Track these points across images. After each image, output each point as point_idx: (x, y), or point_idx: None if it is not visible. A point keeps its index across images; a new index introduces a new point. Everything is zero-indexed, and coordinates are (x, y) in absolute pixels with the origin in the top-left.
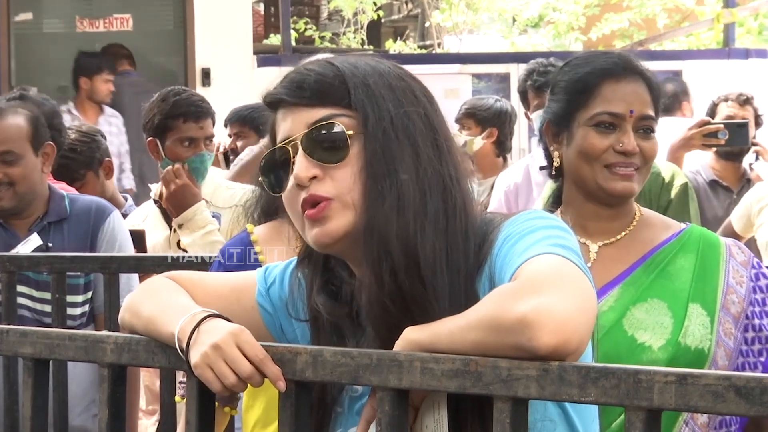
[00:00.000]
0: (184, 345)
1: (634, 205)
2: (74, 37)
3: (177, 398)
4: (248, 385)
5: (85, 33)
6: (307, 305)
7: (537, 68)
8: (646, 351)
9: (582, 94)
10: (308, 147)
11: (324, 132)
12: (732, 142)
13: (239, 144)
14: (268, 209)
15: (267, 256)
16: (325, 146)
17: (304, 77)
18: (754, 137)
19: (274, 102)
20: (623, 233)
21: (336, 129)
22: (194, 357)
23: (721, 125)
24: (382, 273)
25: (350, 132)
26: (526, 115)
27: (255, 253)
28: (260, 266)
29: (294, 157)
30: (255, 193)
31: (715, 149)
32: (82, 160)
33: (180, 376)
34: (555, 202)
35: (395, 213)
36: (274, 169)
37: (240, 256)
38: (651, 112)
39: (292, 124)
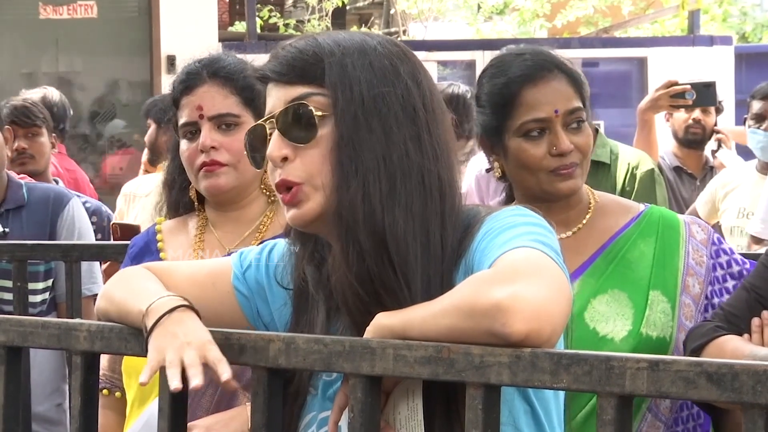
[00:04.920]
0: (150, 324)
1: (587, 193)
2: (37, 24)
3: (104, 392)
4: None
5: (49, 20)
6: (294, 273)
7: None
8: (608, 344)
9: (505, 106)
10: (282, 126)
11: (296, 111)
12: (699, 102)
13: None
14: (175, 207)
15: (166, 245)
16: (297, 126)
17: (286, 54)
18: (715, 124)
19: (263, 77)
20: (579, 225)
21: (305, 109)
22: (154, 341)
23: (688, 86)
24: (350, 255)
25: (319, 113)
26: None
27: (156, 242)
28: (158, 254)
29: (271, 135)
30: (164, 194)
31: (682, 110)
32: None
33: (103, 369)
34: (507, 201)
35: (361, 198)
36: (256, 144)
37: (143, 245)
38: (577, 104)
39: (274, 101)
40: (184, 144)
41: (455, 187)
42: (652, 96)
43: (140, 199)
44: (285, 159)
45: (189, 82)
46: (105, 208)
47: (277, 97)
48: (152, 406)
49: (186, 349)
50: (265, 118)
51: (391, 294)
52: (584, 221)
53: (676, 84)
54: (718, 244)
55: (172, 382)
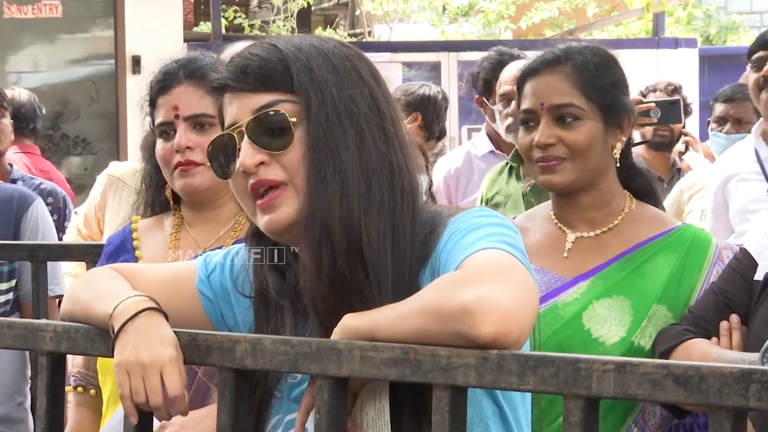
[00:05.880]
0: (117, 326)
1: (625, 199)
2: (1, 23)
3: (80, 389)
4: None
5: (13, 19)
6: (254, 281)
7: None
8: (598, 347)
9: (519, 96)
10: (253, 134)
11: (268, 118)
12: (664, 120)
13: None
14: (151, 206)
15: (142, 242)
16: (269, 133)
17: (248, 62)
18: (683, 126)
19: (220, 87)
20: (605, 228)
21: (279, 116)
22: (119, 355)
23: (653, 104)
24: (322, 257)
25: (293, 119)
26: (479, 102)
27: (132, 240)
28: (134, 252)
29: (240, 144)
30: (141, 192)
31: (648, 127)
32: None
33: (71, 367)
34: None
35: (338, 198)
36: (221, 154)
37: (119, 243)
38: (569, 100)
39: (237, 110)
40: (159, 143)
41: (418, 186)
42: None
43: (129, 191)
44: (259, 164)
45: (165, 82)
46: (60, 189)
47: (241, 107)
48: None
49: (149, 374)
50: (233, 127)
51: (360, 296)
52: (611, 225)
53: (641, 102)
54: None
55: (131, 417)
